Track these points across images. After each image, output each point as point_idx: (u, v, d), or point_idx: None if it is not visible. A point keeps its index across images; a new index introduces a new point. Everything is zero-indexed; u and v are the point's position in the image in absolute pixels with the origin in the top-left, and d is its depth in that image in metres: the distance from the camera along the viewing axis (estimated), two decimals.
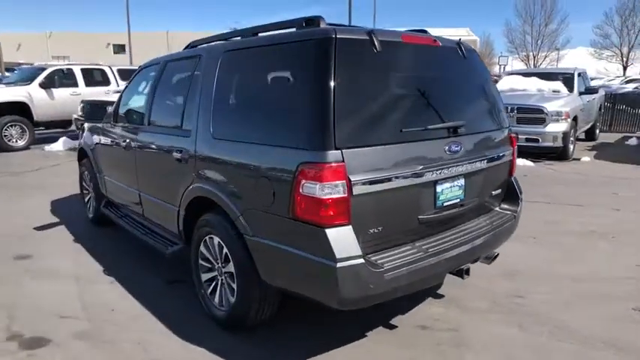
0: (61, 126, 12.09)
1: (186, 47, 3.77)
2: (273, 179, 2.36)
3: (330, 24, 2.51)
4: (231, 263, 2.77)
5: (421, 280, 2.47)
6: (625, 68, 39.30)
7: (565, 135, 8.32)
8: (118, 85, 12.74)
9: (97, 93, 11.79)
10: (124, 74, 13.01)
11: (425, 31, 2.97)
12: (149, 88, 3.83)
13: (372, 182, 2.25)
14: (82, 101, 10.65)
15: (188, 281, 3.68)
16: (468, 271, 2.75)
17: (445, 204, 2.65)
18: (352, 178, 2.17)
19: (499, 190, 3.14)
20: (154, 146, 3.52)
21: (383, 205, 2.34)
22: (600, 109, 11.56)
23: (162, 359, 2.70)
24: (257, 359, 2.71)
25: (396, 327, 3.02)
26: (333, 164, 2.13)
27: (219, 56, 2.97)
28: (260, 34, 2.95)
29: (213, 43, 3.27)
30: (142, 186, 3.77)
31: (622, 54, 39.71)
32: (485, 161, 2.87)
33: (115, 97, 10.24)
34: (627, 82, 23.31)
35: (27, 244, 4.60)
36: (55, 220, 5.35)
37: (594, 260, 4.11)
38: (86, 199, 5.30)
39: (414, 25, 3.19)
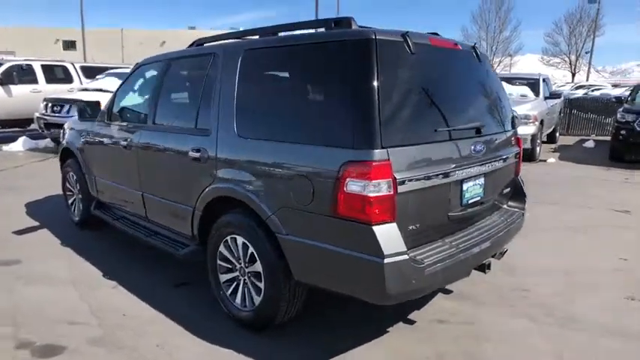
0: (19, 125, 11.46)
1: (191, 45, 3.70)
2: (313, 178, 2.37)
3: (361, 26, 2.56)
4: (258, 263, 2.76)
5: (454, 275, 2.56)
6: (573, 75, 41.73)
7: (533, 137, 8.75)
8: (82, 83, 12.22)
9: (60, 90, 11.27)
10: (88, 72, 12.50)
11: (437, 34, 3.07)
12: (152, 86, 3.72)
13: (412, 180, 2.31)
14: (45, 99, 10.15)
15: (195, 283, 3.64)
16: (489, 266, 2.87)
17: (469, 201, 2.76)
18: (397, 177, 2.23)
19: (508, 189, 3.29)
20: (162, 146, 3.42)
21: (420, 203, 2.41)
22: (560, 113, 12.24)
23: None
24: (283, 357, 2.71)
25: (415, 322, 3.11)
26: (381, 163, 2.18)
27: (239, 55, 2.94)
28: (280, 34, 2.97)
29: (228, 42, 3.24)
30: (145, 187, 3.66)
31: (570, 61, 42.19)
32: (501, 161, 3.01)
33: (82, 95, 9.90)
34: (577, 88, 24.76)
35: (9, 248, 4.36)
36: (35, 223, 5.09)
37: (580, 254, 4.37)
38: (70, 202, 5.07)
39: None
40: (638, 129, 8.64)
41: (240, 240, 2.86)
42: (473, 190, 2.78)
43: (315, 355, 2.73)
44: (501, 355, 2.72)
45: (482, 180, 2.84)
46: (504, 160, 3.07)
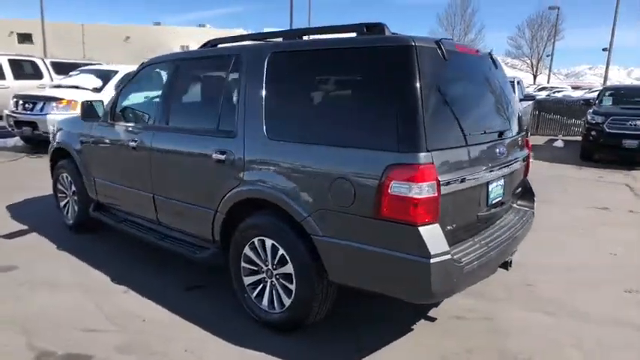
0: None
1: (204, 46, 3.66)
2: (354, 180, 2.40)
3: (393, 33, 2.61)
4: (289, 265, 2.76)
5: (485, 273, 2.66)
6: (535, 77, 43.44)
7: None
8: (52, 79, 11.73)
9: (29, 87, 10.78)
10: (59, 68, 12.02)
11: (450, 39, 3.17)
12: (164, 86, 3.64)
13: (451, 182, 2.39)
14: (15, 95, 9.69)
15: (207, 286, 3.60)
16: (511, 263, 2.98)
17: (493, 202, 2.86)
18: (440, 179, 2.29)
19: (519, 189, 3.43)
20: (179, 148, 3.36)
21: (456, 204, 2.49)
22: (531, 114, 12.75)
23: None
24: (315, 357, 2.73)
25: (435, 319, 3.19)
26: (427, 165, 2.24)
27: (265, 56, 2.93)
28: (307, 37, 2.99)
29: (248, 43, 3.22)
30: (157, 189, 3.58)
31: (532, 64, 43.91)
32: (517, 163, 3.14)
33: (56, 92, 9.50)
34: (539, 89, 25.79)
35: (1, 254, 4.16)
36: (22, 227, 4.87)
37: (574, 251, 4.59)
38: (62, 204, 4.88)
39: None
40: (607, 130, 9.12)
41: (268, 242, 2.86)
42: (496, 190, 2.88)
43: (347, 353, 2.77)
44: (526, 348, 2.84)
45: (502, 181, 2.95)
46: (519, 161, 3.20)
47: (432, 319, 3.19)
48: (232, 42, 3.54)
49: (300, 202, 2.63)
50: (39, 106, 9.14)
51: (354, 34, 2.76)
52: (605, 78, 24.39)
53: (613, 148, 9.13)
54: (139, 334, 2.92)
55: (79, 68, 11.39)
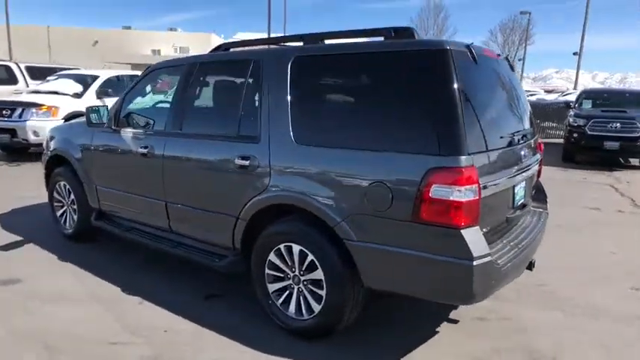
0: None
1: (216, 50, 3.61)
2: (392, 184, 2.41)
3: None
4: (319, 270, 2.74)
5: (515, 274, 2.70)
6: None
7: None
8: (28, 85, 11.34)
9: (4, 92, 10.39)
10: (34, 72, 11.64)
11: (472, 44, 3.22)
12: (176, 91, 3.57)
13: (489, 185, 2.43)
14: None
15: (225, 295, 3.53)
16: (534, 264, 3.04)
17: (518, 204, 2.92)
18: (480, 182, 2.32)
19: (534, 191, 3.51)
20: (195, 154, 3.29)
21: (491, 206, 2.52)
22: None
23: None
24: None
25: (458, 321, 3.23)
26: (469, 168, 2.26)
27: (288, 61, 2.91)
28: (328, 41, 2.99)
29: (270, 48, 3.19)
30: (171, 196, 3.49)
31: None
32: (536, 165, 3.21)
33: (34, 98, 9.17)
34: None
35: (1, 266, 3.98)
36: (17, 237, 4.67)
37: (577, 251, 4.70)
38: (59, 213, 4.71)
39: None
40: (589, 133, 9.45)
41: (296, 248, 2.83)
42: (520, 192, 2.94)
43: (380, 357, 2.76)
44: (551, 347, 2.90)
45: (524, 183, 3.02)
46: (536, 164, 3.28)
47: (455, 322, 3.22)
48: (244, 46, 3.52)
49: (332, 207, 2.61)
50: (17, 112, 8.81)
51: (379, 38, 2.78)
52: (576, 82, 25.30)
53: (594, 149, 9.46)
54: (167, 346, 2.84)
55: (57, 73, 11.06)
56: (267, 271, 3.00)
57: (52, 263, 4.10)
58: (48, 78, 10.60)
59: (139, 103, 3.91)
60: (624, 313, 3.37)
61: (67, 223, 4.63)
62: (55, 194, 4.69)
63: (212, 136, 3.25)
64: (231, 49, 3.55)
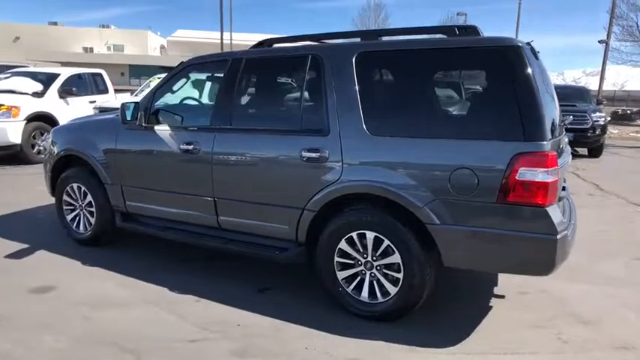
0: None
1: (258, 45, 3.64)
2: (477, 169, 2.61)
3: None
4: (396, 255, 2.89)
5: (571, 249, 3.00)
6: None
7: None
8: None
9: None
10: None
11: None
12: (222, 87, 3.55)
13: (558, 167, 2.69)
14: None
15: (277, 287, 3.58)
16: None
17: (563, 185, 3.23)
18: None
19: None
20: (252, 149, 3.31)
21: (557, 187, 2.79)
22: None
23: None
24: (432, 341, 2.85)
25: (504, 296, 3.50)
26: (552, 152, 2.51)
27: (351, 56, 3.02)
28: (384, 37, 3.14)
29: (329, 44, 3.28)
30: (221, 192, 3.47)
31: None
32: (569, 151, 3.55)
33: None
34: None
35: (20, 275, 3.75)
36: (23, 245, 4.37)
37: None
38: (70, 218, 4.47)
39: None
40: None
41: (370, 235, 2.95)
42: (562, 175, 3.26)
43: (452, 331, 2.95)
44: (592, 311, 3.24)
45: (564, 167, 3.34)
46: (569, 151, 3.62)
47: (502, 296, 3.50)
48: (286, 42, 3.58)
49: (414, 194, 2.77)
50: None
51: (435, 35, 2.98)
52: None
53: None
54: (248, 339, 2.86)
55: (9, 71, 10.28)
56: (336, 259, 3.10)
57: (77, 268, 3.91)
58: None
59: (178, 99, 3.81)
60: (638, 280, 3.82)
61: (81, 227, 4.41)
62: (66, 197, 4.45)
63: (271, 130, 3.28)
64: (274, 45, 3.60)
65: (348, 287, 3.10)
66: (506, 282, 3.69)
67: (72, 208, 4.47)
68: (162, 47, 51.27)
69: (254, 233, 3.46)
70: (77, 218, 4.44)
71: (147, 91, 9.85)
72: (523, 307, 3.32)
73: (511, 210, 2.57)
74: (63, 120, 9.33)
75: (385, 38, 3.24)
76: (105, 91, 10.64)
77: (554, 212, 2.55)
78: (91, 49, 47.03)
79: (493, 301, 3.41)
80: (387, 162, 2.85)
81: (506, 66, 2.62)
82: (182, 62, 3.87)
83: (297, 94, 3.22)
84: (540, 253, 2.57)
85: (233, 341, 2.84)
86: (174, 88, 3.89)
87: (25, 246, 4.37)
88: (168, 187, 3.76)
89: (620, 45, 23.00)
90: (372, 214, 2.95)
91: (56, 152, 4.43)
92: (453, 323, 3.07)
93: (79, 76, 10.07)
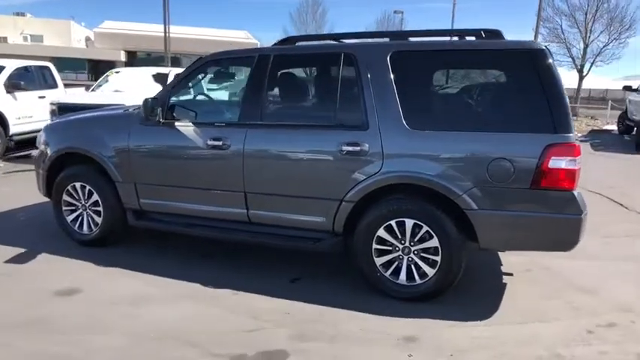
0: None
1: (282, 42, 3.74)
2: (513, 158, 2.92)
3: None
4: (434, 239, 3.14)
5: None
6: None
7: None
8: None
9: None
10: None
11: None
12: (250, 83, 3.60)
13: None
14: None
15: (305, 277, 3.71)
16: None
17: None
18: None
19: None
20: (287, 144, 3.43)
21: None
22: None
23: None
24: (474, 314, 3.14)
25: (512, 274, 3.89)
26: (577, 143, 2.88)
27: (386, 55, 3.23)
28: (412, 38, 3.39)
29: (363, 42, 3.46)
30: (253, 186, 3.53)
31: None
32: None
33: None
34: None
35: (34, 279, 3.59)
36: (19, 250, 4.13)
37: None
38: (70, 219, 4.28)
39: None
40: None
41: (409, 222, 3.18)
42: None
43: (488, 307, 3.25)
44: (593, 282, 3.70)
45: None
46: None
47: (510, 274, 3.88)
48: (309, 40, 3.72)
49: (453, 182, 3.04)
50: None
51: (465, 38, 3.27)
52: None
53: None
54: (301, 325, 2.99)
55: None
56: (374, 246, 3.30)
57: (92, 269, 3.79)
58: None
59: (199, 95, 3.80)
60: (615, 255, 4.38)
61: (85, 228, 4.25)
62: (66, 197, 4.26)
63: (307, 126, 3.41)
64: (298, 43, 3.72)
65: (385, 272, 3.31)
66: (509, 261, 4.09)
67: (73, 208, 4.29)
68: (88, 39, 48.15)
69: (284, 226, 3.57)
70: (79, 219, 4.27)
71: (105, 86, 9.50)
72: (532, 282, 3.73)
73: (543, 194, 2.92)
74: (12, 118, 8.72)
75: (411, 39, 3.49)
76: (54, 85, 9.98)
77: (579, 195, 2.93)
78: (5, 39, 43.14)
79: (507, 279, 3.78)
80: (428, 154, 3.10)
81: (536, 66, 2.95)
82: (201, 57, 3.87)
83: (332, 91, 3.36)
84: (568, 231, 2.95)
85: (288, 328, 2.96)
86: (194, 83, 3.87)
87: (22, 250, 4.14)
88: (191, 183, 3.76)
89: (548, 46, 25.13)
90: (411, 202, 3.18)
91: (54, 151, 4.22)
92: (477, 300, 3.38)
93: (25, 68, 9.38)
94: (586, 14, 25.65)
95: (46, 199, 4.54)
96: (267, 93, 3.57)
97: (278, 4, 71.94)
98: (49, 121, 4.81)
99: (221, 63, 3.87)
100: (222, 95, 4.17)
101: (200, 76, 3.92)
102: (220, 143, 3.56)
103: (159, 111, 3.73)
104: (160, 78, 9.28)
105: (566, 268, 3.99)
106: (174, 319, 3.03)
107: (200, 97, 4.01)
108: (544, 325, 3.07)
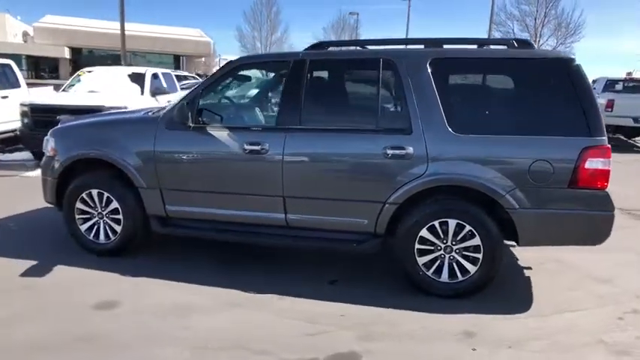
0: None
1: (313, 47, 3.77)
2: (553, 160, 3.13)
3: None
4: (476, 238, 3.30)
5: None
6: None
7: None
8: None
9: None
10: None
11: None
12: (285, 88, 3.61)
13: None
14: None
15: (342, 278, 3.78)
16: None
17: None
18: None
19: None
20: (329, 148, 3.48)
21: None
22: None
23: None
24: (514, 308, 3.32)
25: (531, 268, 4.14)
26: (609, 146, 3.13)
27: (425, 62, 3.35)
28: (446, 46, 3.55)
29: (402, 48, 3.56)
30: (292, 191, 3.53)
31: None
32: None
33: None
34: None
35: (61, 293, 3.42)
36: (31, 262, 3.90)
37: None
38: (85, 227, 4.09)
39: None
40: None
41: (452, 222, 3.33)
42: None
43: (523, 300, 3.46)
44: (606, 273, 4.00)
45: None
46: None
47: (529, 268, 4.12)
48: (340, 45, 3.79)
49: (497, 183, 3.21)
50: None
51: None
52: None
53: None
54: (362, 326, 3.04)
55: None
56: (417, 246, 3.41)
57: (122, 280, 3.65)
58: None
59: (231, 100, 3.74)
60: (616, 247, 4.71)
61: (102, 237, 4.07)
62: (80, 205, 4.06)
63: (349, 130, 3.47)
64: (330, 48, 3.77)
65: (427, 271, 3.44)
66: (523, 256, 4.33)
67: (87, 216, 4.09)
68: (25, 34, 45.18)
69: (328, 229, 3.61)
70: (95, 227, 4.09)
71: (78, 86, 9.01)
72: (550, 275, 3.99)
73: (579, 193, 3.15)
74: None
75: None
76: (16, 84, 9.37)
77: (610, 193, 3.19)
78: None
79: (529, 272, 4.01)
80: (472, 157, 3.25)
81: (570, 74, 3.17)
82: (230, 61, 3.82)
83: (371, 96, 3.44)
84: (600, 226, 3.20)
85: (350, 330, 3.00)
86: (222, 88, 3.82)
87: (31, 262, 3.91)
88: (225, 188, 3.71)
89: None
90: (454, 203, 3.33)
91: (67, 157, 4.01)
92: (510, 293, 3.59)
93: None
94: (535, 19, 27.31)
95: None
96: (305, 97, 3.58)
97: (231, 2, 70.68)
98: (52, 126, 4.48)
99: (249, 67, 3.83)
100: (252, 100, 4.11)
101: (228, 80, 3.87)
102: (259, 148, 3.54)
103: (189, 115, 3.65)
104: (136, 78, 8.96)
105: (577, 260, 4.29)
106: (231, 328, 3.00)
107: (229, 102, 3.94)
108: (577, 314, 3.30)
